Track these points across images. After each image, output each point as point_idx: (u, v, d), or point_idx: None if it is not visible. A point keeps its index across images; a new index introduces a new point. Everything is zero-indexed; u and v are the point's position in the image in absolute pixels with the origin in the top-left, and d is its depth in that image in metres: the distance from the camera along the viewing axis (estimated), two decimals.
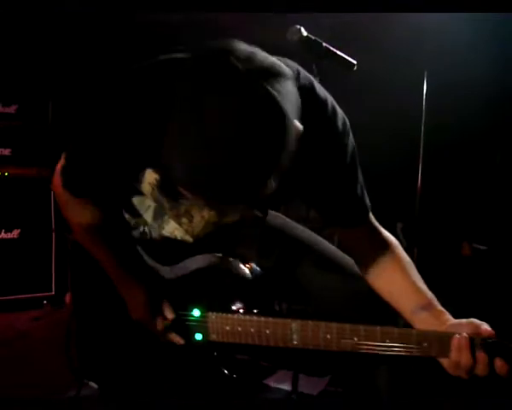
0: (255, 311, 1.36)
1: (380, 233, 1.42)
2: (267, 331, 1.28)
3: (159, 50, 1.26)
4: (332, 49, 2.09)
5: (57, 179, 1.42)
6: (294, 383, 2.04)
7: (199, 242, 1.47)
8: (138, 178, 1.36)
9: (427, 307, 1.29)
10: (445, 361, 1.20)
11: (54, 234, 3.20)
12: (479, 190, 3.30)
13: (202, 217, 1.42)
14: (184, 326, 1.43)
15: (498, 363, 1.12)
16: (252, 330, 1.31)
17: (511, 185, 3.28)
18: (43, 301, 3.26)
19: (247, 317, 1.32)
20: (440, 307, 1.30)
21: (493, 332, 1.15)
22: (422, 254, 2.65)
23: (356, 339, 1.19)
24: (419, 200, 2.91)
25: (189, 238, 1.46)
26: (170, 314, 1.43)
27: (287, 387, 2.32)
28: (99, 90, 1.30)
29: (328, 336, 1.20)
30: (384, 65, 2.86)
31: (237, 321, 1.34)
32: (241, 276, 1.38)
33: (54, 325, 2.97)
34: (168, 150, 0.96)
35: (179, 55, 1.18)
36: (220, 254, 1.42)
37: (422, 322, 1.27)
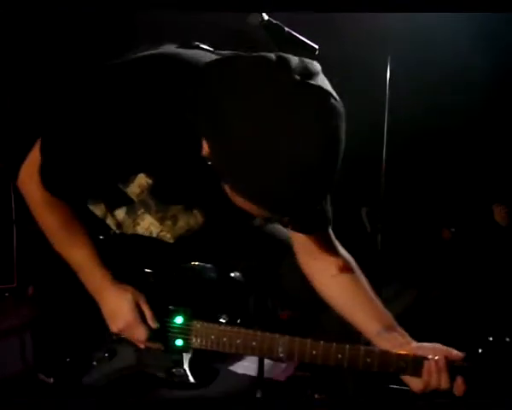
0: (238, 321, 1.38)
1: (338, 249, 1.47)
2: (253, 343, 1.31)
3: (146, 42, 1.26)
4: (294, 33, 2.09)
5: (26, 177, 1.37)
6: (261, 369, 2.06)
7: (177, 244, 1.46)
8: (127, 180, 1.34)
9: (391, 328, 1.37)
10: (413, 380, 1.30)
11: (14, 225, 3.12)
12: (444, 174, 3.38)
13: (187, 223, 1.44)
14: (165, 333, 1.42)
15: (459, 384, 1.24)
16: (238, 341, 1.33)
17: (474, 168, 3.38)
18: (4, 294, 3.18)
19: (235, 328, 1.34)
20: (401, 328, 1.38)
21: (462, 356, 1.26)
22: (387, 239, 2.73)
23: (340, 356, 1.24)
24: (384, 184, 2.96)
25: (167, 236, 1.46)
26: (154, 323, 1.40)
27: (254, 373, 2.34)
28: (88, 84, 1.25)
29: (314, 352, 1.25)
30: (347, 50, 2.87)
31: (223, 332, 1.35)
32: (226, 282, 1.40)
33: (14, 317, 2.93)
34: (239, 163, 0.98)
35: (177, 50, 1.23)
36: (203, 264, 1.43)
37: (388, 342, 1.34)
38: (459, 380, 1.25)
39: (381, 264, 2.66)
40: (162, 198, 1.37)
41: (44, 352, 1.51)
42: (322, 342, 1.26)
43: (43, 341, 1.52)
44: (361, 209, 3.37)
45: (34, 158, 1.34)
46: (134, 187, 1.35)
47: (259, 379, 1.94)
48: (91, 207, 1.48)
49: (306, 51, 2.28)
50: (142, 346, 1.42)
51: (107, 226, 1.50)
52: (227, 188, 1.05)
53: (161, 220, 1.44)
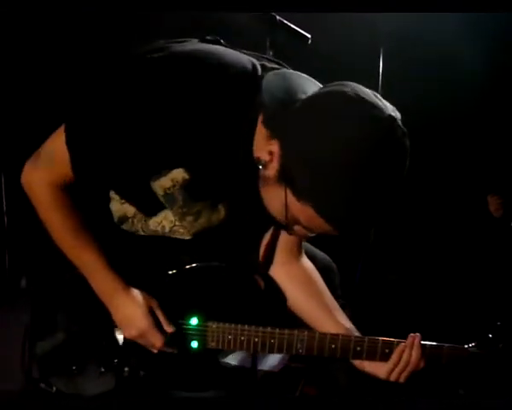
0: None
1: (303, 253, 1.55)
2: (272, 341, 1.35)
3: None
4: (285, 22, 2.11)
5: (33, 175, 1.33)
6: (254, 361, 2.07)
7: (190, 242, 1.47)
8: (159, 173, 1.31)
9: (349, 331, 1.41)
10: (382, 367, 1.36)
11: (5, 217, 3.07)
12: (437, 166, 3.38)
13: (209, 219, 1.43)
14: (180, 335, 1.41)
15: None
16: (256, 339, 1.36)
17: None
18: None
19: (253, 327, 1.36)
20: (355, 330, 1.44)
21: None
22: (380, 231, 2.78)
23: (359, 348, 1.30)
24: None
25: (180, 231, 1.45)
26: (169, 328, 1.39)
27: (247, 365, 2.43)
28: (134, 74, 1.20)
29: (333, 346, 1.30)
30: (338, 47, 2.87)
31: (241, 331, 1.37)
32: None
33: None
34: (320, 177, 1.06)
35: (218, 47, 1.25)
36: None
37: None
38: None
39: (374, 255, 2.76)
40: (193, 194, 1.36)
41: (47, 360, 1.46)
42: (340, 335, 1.31)
43: (44, 348, 1.46)
44: None
45: (44, 157, 1.31)
46: (165, 181, 1.32)
47: (253, 371, 1.89)
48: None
49: (298, 40, 2.30)
50: (155, 351, 1.40)
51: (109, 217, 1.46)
52: (288, 192, 1.12)
53: (183, 216, 1.41)
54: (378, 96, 1.10)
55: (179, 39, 1.29)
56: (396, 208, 1.17)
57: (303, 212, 1.12)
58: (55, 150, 1.29)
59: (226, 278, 1.44)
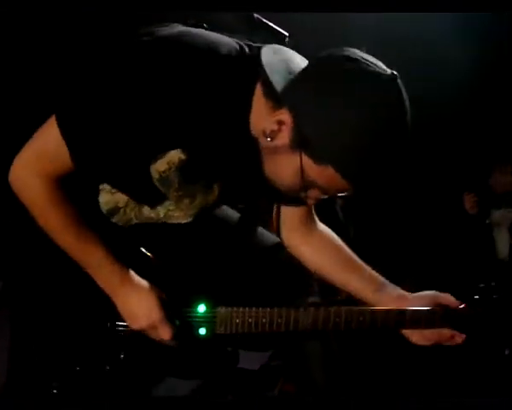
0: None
1: (317, 222, 1.60)
2: (279, 320, 1.41)
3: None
4: (263, 20, 2.21)
5: (25, 172, 1.27)
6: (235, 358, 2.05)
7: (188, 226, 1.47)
8: (155, 157, 1.30)
9: (383, 284, 1.49)
10: (414, 333, 1.40)
11: None
12: (415, 165, 3.56)
13: (205, 199, 1.44)
14: (188, 323, 1.44)
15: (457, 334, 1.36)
16: (263, 320, 1.42)
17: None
18: None
19: (260, 309, 1.42)
20: (391, 283, 1.49)
21: (458, 303, 1.38)
22: (360, 232, 2.86)
23: (361, 319, 1.36)
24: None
25: (175, 215, 1.46)
26: (178, 319, 1.41)
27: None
28: (125, 57, 1.20)
29: (338, 320, 1.37)
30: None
31: (249, 313, 1.43)
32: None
33: None
34: (337, 136, 1.12)
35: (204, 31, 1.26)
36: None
37: (386, 298, 1.45)
38: (456, 331, 1.36)
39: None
40: (189, 176, 1.35)
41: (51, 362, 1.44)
42: (343, 308, 1.37)
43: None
44: (335, 202, 3.41)
45: (36, 151, 1.27)
46: (161, 164, 1.31)
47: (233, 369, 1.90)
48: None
49: (275, 38, 2.39)
50: (165, 343, 1.40)
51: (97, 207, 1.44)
52: (304, 158, 1.15)
53: (179, 198, 1.42)
54: (373, 60, 1.16)
55: (163, 24, 1.29)
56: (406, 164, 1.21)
57: (322, 173, 1.16)
58: (48, 143, 1.25)
59: (233, 259, 1.51)
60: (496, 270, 3.67)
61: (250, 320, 1.44)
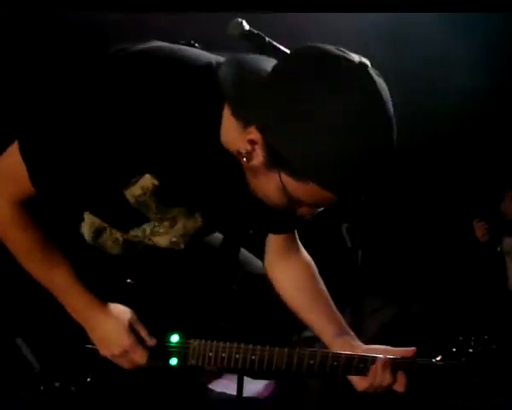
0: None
1: (301, 250, 1.56)
2: (253, 357, 1.38)
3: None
4: (275, 43, 2.14)
5: None
6: (239, 388, 2.04)
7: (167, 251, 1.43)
8: (128, 182, 1.26)
9: (344, 331, 1.48)
10: (358, 380, 1.38)
11: None
12: (425, 190, 3.48)
13: (184, 226, 1.39)
14: (160, 351, 1.40)
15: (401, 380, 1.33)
16: (237, 356, 1.39)
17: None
18: None
19: (234, 344, 1.39)
20: (350, 331, 1.49)
21: (412, 352, 1.36)
22: (368, 255, 2.83)
23: (335, 363, 1.34)
24: (364, 200, 2.90)
25: (163, 231, 1.40)
26: (151, 341, 1.36)
27: (232, 391, 2.27)
28: (91, 76, 1.17)
29: (312, 362, 1.34)
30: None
31: (222, 348, 1.40)
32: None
33: None
34: (314, 148, 1.01)
35: (178, 46, 1.20)
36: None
37: (341, 345, 1.43)
38: (401, 376, 1.34)
39: (361, 280, 2.74)
40: (165, 200, 1.30)
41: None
42: (318, 351, 1.35)
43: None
44: (341, 225, 3.36)
45: (0, 171, 1.26)
46: (136, 189, 1.27)
47: (239, 398, 1.90)
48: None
49: (255, 41, 2.33)
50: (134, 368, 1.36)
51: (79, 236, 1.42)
52: (283, 175, 1.07)
53: (160, 220, 1.37)
54: (340, 48, 1.06)
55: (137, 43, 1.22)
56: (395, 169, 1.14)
57: (304, 189, 1.07)
58: (12, 164, 1.22)
59: (208, 290, 1.47)
60: (507, 300, 3.57)
61: (223, 355, 1.41)
